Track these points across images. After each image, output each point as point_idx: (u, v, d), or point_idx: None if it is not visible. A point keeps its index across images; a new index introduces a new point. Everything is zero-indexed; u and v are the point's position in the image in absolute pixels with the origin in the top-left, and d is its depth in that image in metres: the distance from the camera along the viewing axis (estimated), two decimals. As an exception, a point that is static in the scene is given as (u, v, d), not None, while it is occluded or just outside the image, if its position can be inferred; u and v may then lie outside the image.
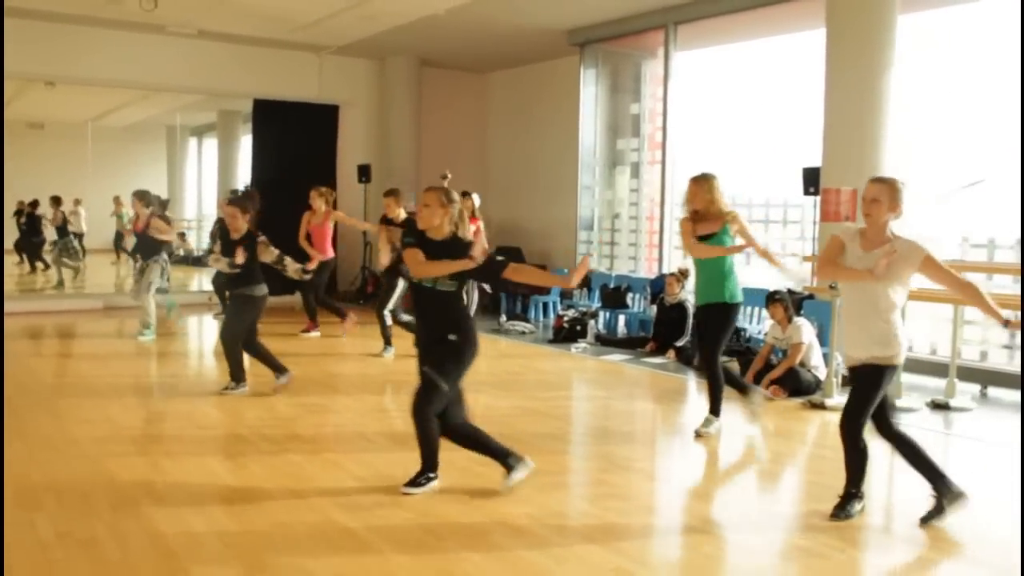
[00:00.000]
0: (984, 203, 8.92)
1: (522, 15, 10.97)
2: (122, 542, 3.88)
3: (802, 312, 8.03)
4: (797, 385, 7.24)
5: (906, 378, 7.38)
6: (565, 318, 10.27)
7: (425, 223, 4.62)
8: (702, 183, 5.85)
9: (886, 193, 4.25)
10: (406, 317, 8.59)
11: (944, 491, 4.29)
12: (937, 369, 7.89)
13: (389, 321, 8.80)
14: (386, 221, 8.83)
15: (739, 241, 5.86)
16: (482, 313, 11.37)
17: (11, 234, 16.05)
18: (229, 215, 6.93)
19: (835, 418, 6.28)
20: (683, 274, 9.47)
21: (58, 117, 18.70)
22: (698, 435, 5.97)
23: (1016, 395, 7.33)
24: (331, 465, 5.19)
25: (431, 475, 4.68)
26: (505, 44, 12.52)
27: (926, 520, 4.29)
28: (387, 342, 8.88)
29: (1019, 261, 7.97)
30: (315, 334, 10.05)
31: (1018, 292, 7.31)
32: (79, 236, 15.79)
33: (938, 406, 6.97)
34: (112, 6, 10.33)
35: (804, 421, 6.67)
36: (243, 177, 16.42)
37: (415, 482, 4.66)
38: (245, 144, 15.87)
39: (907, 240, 4.25)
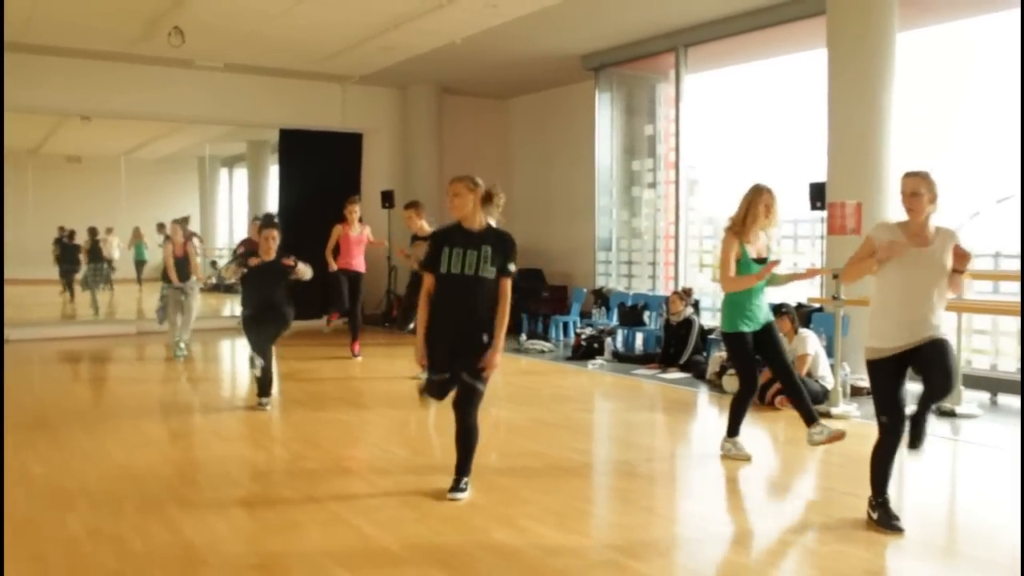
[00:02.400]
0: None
1: (537, 42, 11.27)
2: (147, 538, 4.15)
3: (810, 325, 8.18)
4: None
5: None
6: (583, 336, 10.49)
7: (459, 212, 4.67)
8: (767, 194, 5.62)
9: (924, 185, 4.30)
10: None
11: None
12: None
13: None
14: (414, 239, 8.77)
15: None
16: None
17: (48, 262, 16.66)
18: (271, 238, 7.25)
19: (841, 425, 6.45)
20: (686, 292, 9.67)
21: (94, 151, 19.34)
22: (813, 441, 5.62)
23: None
24: (346, 473, 5.43)
25: (467, 479, 4.83)
26: (522, 70, 12.82)
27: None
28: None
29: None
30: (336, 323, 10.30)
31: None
32: (109, 262, 16.29)
33: (944, 413, 7.08)
34: (143, 43, 10.76)
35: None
36: (272, 205, 16.87)
37: (459, 487, 4.79)
38: (274, 173, 16.26)
39: (946, 228, 4.36)
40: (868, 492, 4.44)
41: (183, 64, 12.03)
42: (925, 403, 4.37)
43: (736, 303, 5.64)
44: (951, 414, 7.08)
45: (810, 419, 5.63)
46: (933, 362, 4.29)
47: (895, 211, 8.08)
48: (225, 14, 9.76)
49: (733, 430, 5.85)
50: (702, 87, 11.49)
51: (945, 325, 4.40)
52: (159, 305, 10.26)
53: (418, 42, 10.98)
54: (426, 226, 8.61)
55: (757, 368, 5.90)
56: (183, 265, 9.97)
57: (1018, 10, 8.21)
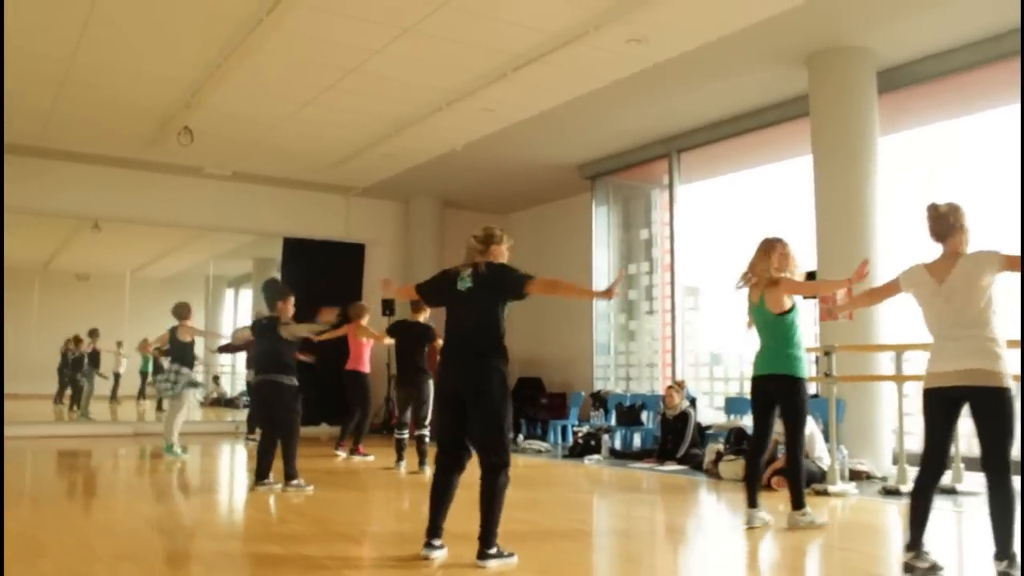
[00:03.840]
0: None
1: (535, 150, 11.67)
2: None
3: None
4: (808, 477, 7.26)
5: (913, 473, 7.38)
6: (580, 434, 10.43)
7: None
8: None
9: (952, 212, 4.21)
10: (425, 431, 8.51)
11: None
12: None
13: (427, 433, 8.40)
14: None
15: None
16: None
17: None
18: (286, 306, 7.40)
19: (840, 503, 6.37)
20: (680, 385, 9.66)
21: (102, 268, 19.67)
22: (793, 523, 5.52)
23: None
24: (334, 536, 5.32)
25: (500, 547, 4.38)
26: (521, 182, 13.21)
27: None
28: (423, 460, 8.46)
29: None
30: (370, 457, 9.78)
31: None
32: (117, 376, 16.35)
33: (945, 491, 6.96)
34: (154, 147, 11.18)
35: (813, 507, 6.68)
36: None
37: (499, 553, 4.34)
38: (280, 292, 16.46)
39: (976, 252, 4.17)
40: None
41: (192, 172, 12.45)
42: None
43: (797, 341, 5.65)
44: (952, 491, 6.97)
45: (797, 503, 5.53)
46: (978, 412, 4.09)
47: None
48: (233, 117, 10.18)
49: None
50: (695, 196, 11.79)
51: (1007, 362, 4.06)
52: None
53: (419, 147, 11.38)
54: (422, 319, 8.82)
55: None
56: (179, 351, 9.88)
57: (995, 112, 8.62)
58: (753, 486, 5.63)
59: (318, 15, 7.47)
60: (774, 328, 5.66)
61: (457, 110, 9.81)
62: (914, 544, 4.12)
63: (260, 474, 7.16)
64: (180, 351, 9.65)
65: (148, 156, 11.73)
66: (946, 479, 7.01)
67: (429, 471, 7.94)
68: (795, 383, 5.54)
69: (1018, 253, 4.11)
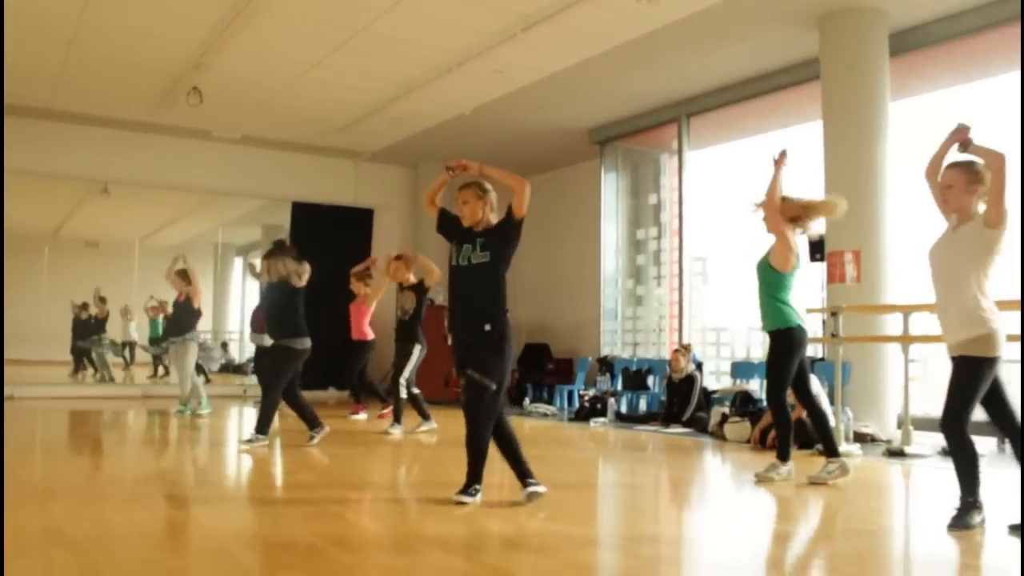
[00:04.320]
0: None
1: (544, 114, 11.62)
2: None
3: (812, 370, 8.14)
4: (805, 437, 7.29)
5: (918, 436, 7.42)
6: (586, 397, 10.48)
7: (470, 219, 4.78)
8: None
9: (961, 178, 4.14)
10: (416, 390, 8.46)
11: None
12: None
13: (403, 393, 8.33)
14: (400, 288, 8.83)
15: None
16: (508, 401, 11.60)
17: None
18: (272, 269, 7.43)
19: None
20: (686, 348, 9.68)
21: (111, 235, 19.72)
22: (759, 479, 5.62)
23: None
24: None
25: (478, 486, 4.60)
26: (531, 147, 13.16)
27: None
28: (397, 418, 8.37)
29: None
30: (362, 416, 9.88)
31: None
32: (130, 345, 16.44)
33: (947, 452, 6.98)
34: (163, 109, 11.17)
35: (815, 468, 6.70)
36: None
37: (467, 491, 4.56)
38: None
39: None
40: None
41: (201, 135, 12.45)
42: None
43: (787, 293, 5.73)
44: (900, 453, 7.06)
45: (782, 455, 5.66)
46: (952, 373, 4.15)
47: (893, 257, 8.22)
48: (242, 79, 10.16)
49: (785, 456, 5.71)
50: (705, 161, 11.75)
51: (999, 327, 4.06)
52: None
53: (428, 112, 11.35)
54: (412, 279, 8.72)
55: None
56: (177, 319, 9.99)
57: (1006, 76, 8.55)
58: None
59: (327, -28, 7.44)
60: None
61: (466, 72, 9.78)
62: None
63: (311, 424, 7.27)
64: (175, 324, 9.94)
65: (157, 119, 11.73)
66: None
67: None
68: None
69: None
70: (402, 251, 9.35)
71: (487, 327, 4.59)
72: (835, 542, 4.29)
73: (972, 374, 4.05)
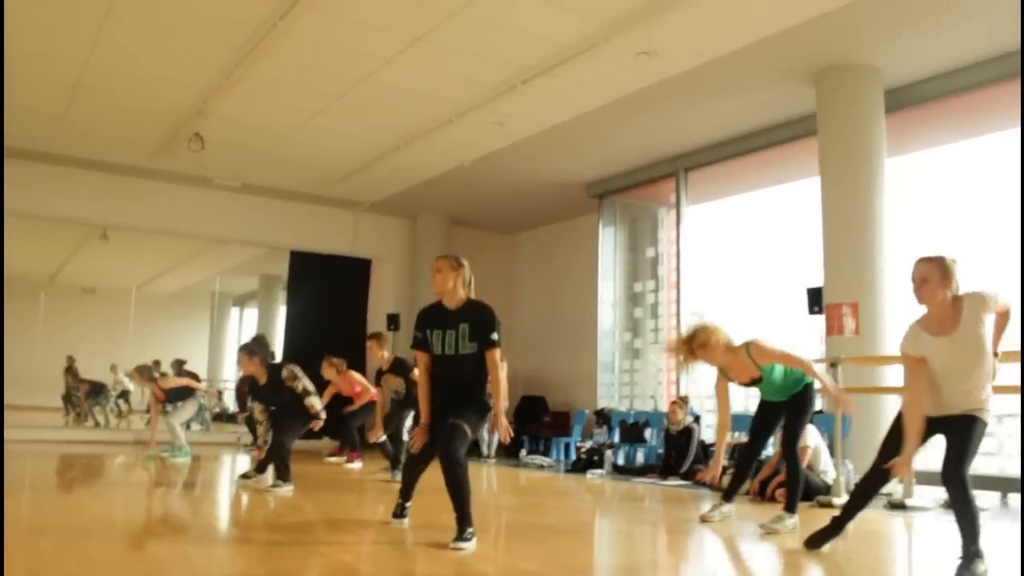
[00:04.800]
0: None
1: (543, 167, 11.71)
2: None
3: (812, 420, 8.09)
4: (806, 488, 7.22)
5: (919, 489, 7.35)
6: (583, 449, 10.39)
7: (439, 287, 4.82)
8: (704, 346, 5.65)
9: (935, 272, 4.18)
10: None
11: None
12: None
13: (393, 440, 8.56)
14: (379, 373, 8.92)
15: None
16: (504, 455, 11.52)
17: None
18: (242, 363, 7.44)
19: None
20: (683, 400, 9.64)
21: (108, 283, 19.72)
22: (766, 531, 5.58)
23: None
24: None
25: (471, 529, 4.49)
26: (530, 200, 13.25)
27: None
28: (395, 464, 8.35)
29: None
30: (358, 464, 9.78)
31: None
32: (125, 394, 16.36)
33: (949, 505, 6.91)
34: (164, 155, 11.25)
35: (817, 520, 6.62)
36: (280, 343, 17.04)
37: (462, 536, 4.44)
38: (284, 313, 16.50)
39: (971, 294, 4.17)
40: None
41: (202, 182, 12.51)
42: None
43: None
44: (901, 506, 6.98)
45: (789, 507, 5.75)
46: (952, 431, 4.23)
47: (891, 309, 8.23)
48: (244, 126, 10.26)
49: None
50: (703, 216, 11.83)
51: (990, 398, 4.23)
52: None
53: (428, 162, 11.43)
54: (386, 355, 8.88)
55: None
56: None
57: (1002, 134, 8.66)
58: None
59: (330, 20, 7.53)
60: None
61: (467, 123, 9.87)
62: None
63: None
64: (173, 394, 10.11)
65: (158, 165, 11.80)
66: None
67: None
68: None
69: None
70: (373, 333, 9.48)
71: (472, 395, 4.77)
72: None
73: (977, 431, 4.18)
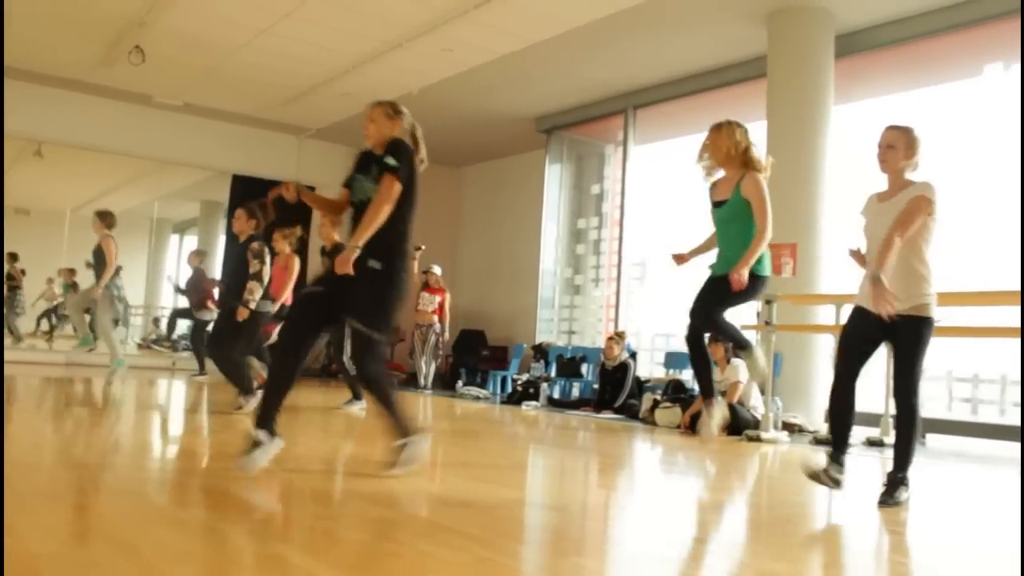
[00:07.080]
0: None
1: (492, 100, 11.61)
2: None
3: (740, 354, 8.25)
4: (736, 422, 7.39)
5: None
6: (519, 381, 10.48)
7: (373, 139, 4.22)
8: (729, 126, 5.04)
9: (901, 140, 4.10)
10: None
11: None
12: (874, 419, 8.07)
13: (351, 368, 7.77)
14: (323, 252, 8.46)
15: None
16: (440, 385, 11.56)
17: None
18: (236, 217, 7.43)
19: (772, 450, 6.50)
20: (620, 336, 9.75)
21: (42, 204, 19.17)
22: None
23: (952, 441, 7.54)
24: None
25: (413, 437, 3.99)
26: (477, 134, 13.14)
27: None
28: (357, 395, 7.88)
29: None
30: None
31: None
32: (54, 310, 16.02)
33: (872, 443, 7.13)
34: (104, 68, 10.89)
35: (745, 453, 6.79)
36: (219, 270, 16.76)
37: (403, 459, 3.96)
38: (224, 241, 16.18)
39: (923, 183, 4.03)
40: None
41: (143, 100, 12.17)
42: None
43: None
44: (879, 443, 7.12)
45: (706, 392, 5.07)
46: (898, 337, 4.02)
47: (828, 251, 8.37)
48: (187, 41, 9.95)
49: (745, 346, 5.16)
50: (649, 157, 11.84)
51: (933, 294, 4.00)
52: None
53: (375, 88, 11.16)
54: (336, 236, 8.25)
55: None
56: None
57: (951, 86, 8.78)
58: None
59: (279, -69, 7.32)
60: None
61: (416, 49, 9.71)
62: None
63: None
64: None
65: (97, 79, 11.43)
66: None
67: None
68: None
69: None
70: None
71: (373, 264, 3.92)
72: (760, 511, 4.33)
73: (917, 336, 3.96)
